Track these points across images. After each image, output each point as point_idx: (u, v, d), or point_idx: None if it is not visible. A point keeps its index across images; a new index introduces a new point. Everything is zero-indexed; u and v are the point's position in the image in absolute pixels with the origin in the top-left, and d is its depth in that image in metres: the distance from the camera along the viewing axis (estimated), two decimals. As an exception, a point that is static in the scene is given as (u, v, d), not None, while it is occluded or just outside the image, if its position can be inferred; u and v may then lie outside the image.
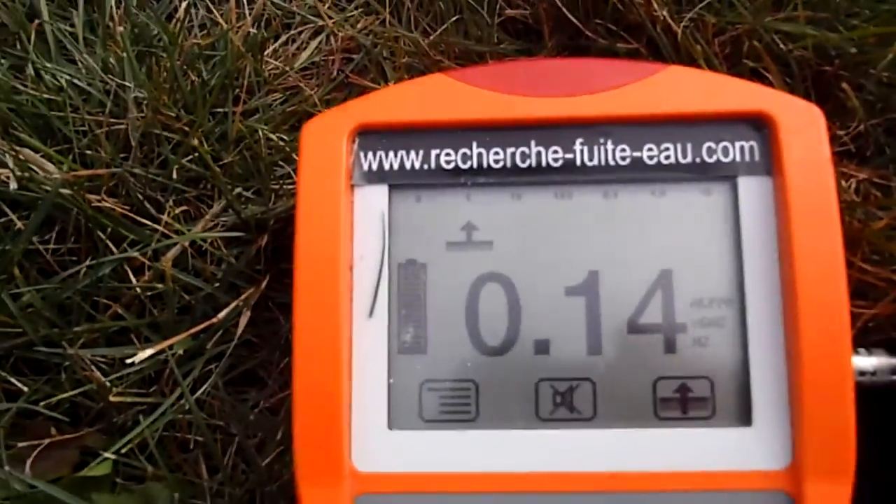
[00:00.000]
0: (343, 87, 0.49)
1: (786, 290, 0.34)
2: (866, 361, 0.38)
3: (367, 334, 0.35)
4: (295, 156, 0.44)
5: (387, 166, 0.37)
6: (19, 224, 0.44)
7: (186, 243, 0.43)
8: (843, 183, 0.41)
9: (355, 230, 0.36)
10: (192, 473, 0.43)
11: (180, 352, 0.41)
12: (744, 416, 0.34)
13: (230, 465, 0.42)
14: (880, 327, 0.42)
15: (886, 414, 0.40)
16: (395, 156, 0.37)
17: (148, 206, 0.44)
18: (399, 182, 0.36)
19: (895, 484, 0.41)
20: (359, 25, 0.50)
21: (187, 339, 0.42)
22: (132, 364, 0.39)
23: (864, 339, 0.42)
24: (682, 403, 0.35)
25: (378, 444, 0.35)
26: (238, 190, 0.44)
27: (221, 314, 0.41)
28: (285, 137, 0.46)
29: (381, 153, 0.37)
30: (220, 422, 0.43)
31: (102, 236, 0.43)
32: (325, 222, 0.35)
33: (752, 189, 0.36)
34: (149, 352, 0.39)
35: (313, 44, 0.49)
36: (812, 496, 0.33)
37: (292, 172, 0.45)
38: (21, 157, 0.44)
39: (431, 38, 0.48)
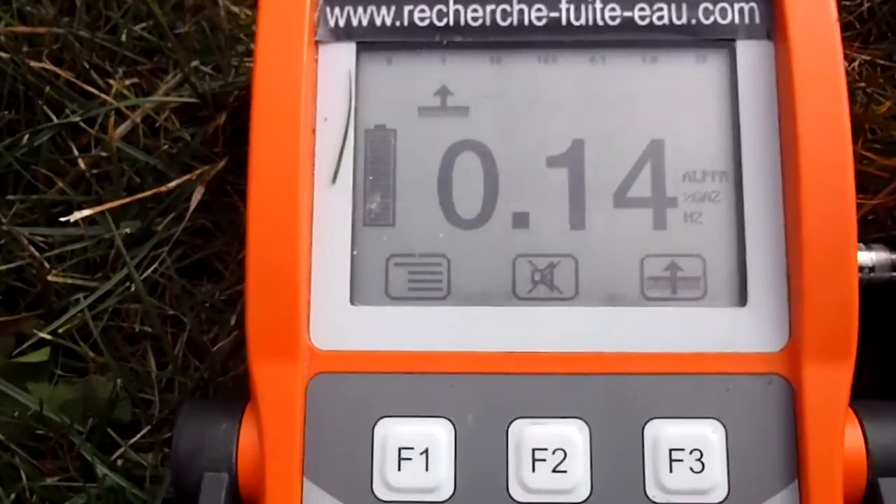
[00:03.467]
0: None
1: (786, 163, 0.32)
2: (866, 256, 0.35)
3: (329, 202, 0.32)
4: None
5: (355, 22, 0.33)
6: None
7: (138, 119, 0.40)
8: (846, 64, 0.39)
9: (319, 90, 0.33)
10: (140, 367, 0.39)
11: (127, 230, 0.38)
12: (738, 296, 0.32)
13: (181, 358, 0.39)
14: (880, 222, 0.39)
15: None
16: (365, 11, 0.33)
17: (95, 76, 0.40)
18: (368, 39, 0.33)
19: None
20: None
21: (136, 222, 0.39)
22: (72, 241, 0.36)
23: (862, 235, 0.39)
24: (671, 283, 0.32)
25: (339, 321, 0.31)
26: (195, 64, 0.41)
27: (171, 184, 0.37)
28: (248, 12, 0.42)
29: (348, 7, 0.33)
30: (170, 311, 0.39)
31: (42, 104, 0.39)
32: (285, 80, 0.32)
33: (751, 54, 0.33)
34: (87, 212, 0.36)
35: None
36: (810, 379, 0.30)
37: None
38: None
39: None
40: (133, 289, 0.38)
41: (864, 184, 0.39)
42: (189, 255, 0.41)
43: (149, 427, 0.38)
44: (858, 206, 0.39)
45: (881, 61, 0.39)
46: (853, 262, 0.30)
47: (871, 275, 0.35)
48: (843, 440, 0.30)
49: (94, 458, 0.36)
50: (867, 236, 0.39)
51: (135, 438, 0.38)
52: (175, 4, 0.42)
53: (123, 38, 0.40)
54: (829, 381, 0.30)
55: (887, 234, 0.39)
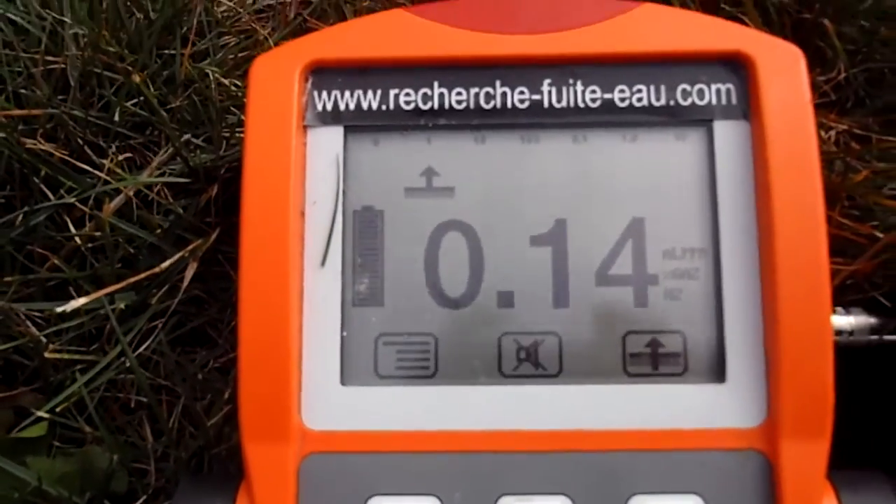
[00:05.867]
0: (300, 32, 0.46)
1: (763, 239, 0.32)
2: (844, 320, 0.36)
3: (319, 284, 0.33)
4: (247, 101, 0.42)
5: (342, 106, 0.34)
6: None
7: (131, 192, 0.40)
8: (823, 134, 0.40)
9: (308, 174, 0.34)
10: (136, 436, 0.40)
11: (122, 306, 0.38)
12: (717, 373, 0.32)
13: (176, 428, 0.40)
14: (858, 286, 0.40)
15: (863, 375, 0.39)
16: (352, 95, 0.34)
17: (89, 152, 0.41)
18: (355, 123, 0.34)
19: (871, 444, 0.40)
20: (318, -34, 0.48)
21: (130, 294, 0.39)
22: (68, 318, 0.37)
23: (841, 298, 0.40)
24: (652, 359, 0.33)
25: (330, 401, 0.32)
26: (186, 137, 0.42)
27: (165, 264, 0.38)
28: (238, 83, 0.43)
29: (336, 92, 0.34)
30: (165, 381, 0.40)
31: (38, 181, 0.40)
32: (274, 164, 0.33)
33: (728, 134, 0.33)
34: (83, 300, 0.36)
35: (268, -17, 0.47)
36: (787, 455, 0.31)
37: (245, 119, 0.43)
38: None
39: (394, -21, 0.46)
40: (128, 363, 0.39)
41: (843, 249, 0.40)
42: (183, 323, 0.41)
43: (145, 497, 0.39)
44: (838, 271, 0.40)
45: (858, 131, 0.40)
46: (828, 341, 0.31)
47: (851, 338, 0.36)
48: (820, 514, 0.31)
49: (91, 532, 0.37)
50: (846, 298, 0.40)
51: (131, 509, 0.39)
52: (167, 79, 0.43)
53: (116, 116, 0.40)
54: (806, 457, 0.31)
55: (865, 296, 0.40)
